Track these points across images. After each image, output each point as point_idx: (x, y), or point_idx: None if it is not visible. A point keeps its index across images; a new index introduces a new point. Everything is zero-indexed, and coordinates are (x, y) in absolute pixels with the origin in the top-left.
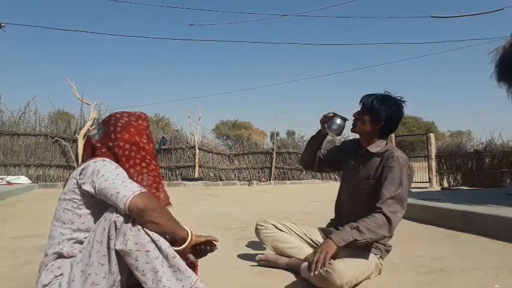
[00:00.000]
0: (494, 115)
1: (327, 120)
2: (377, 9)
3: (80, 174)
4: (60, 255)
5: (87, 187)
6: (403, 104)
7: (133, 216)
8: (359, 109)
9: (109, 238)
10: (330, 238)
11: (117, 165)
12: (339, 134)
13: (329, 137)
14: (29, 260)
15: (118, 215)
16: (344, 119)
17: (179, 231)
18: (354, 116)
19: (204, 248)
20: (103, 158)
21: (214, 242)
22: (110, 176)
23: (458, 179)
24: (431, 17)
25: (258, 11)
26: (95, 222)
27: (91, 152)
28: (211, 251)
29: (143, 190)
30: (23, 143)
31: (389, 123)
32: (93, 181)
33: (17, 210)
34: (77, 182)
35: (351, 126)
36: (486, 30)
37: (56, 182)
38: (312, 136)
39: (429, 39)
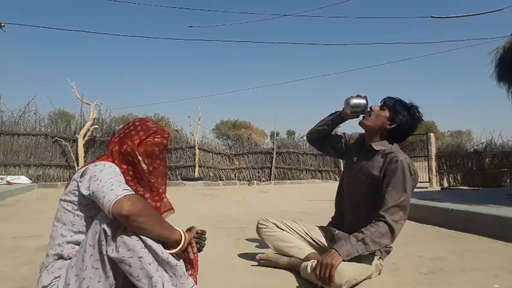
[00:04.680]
0: (494, 115)
1: (354, 96)
2: (377, 9)
3: (81, 176)
4: (60, 257)
5: (84, 191)
6: (421, 121)
7: (119, 220)
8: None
9: (100, 243)
10: (336, 250)
11: (116, 169)
12: (353, 112)
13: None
14: (29, 260)
15: (109, 220)
16: (366, 106)
17: (170, 235)
18: (370, 108)
19: (198, 240)
20: (104, 162)
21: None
22: (103, 180)
23: (458, 179)
24: (431, 17)
25: (258, 11)
26: None
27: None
28: (201, 240)
29: (127, 194)
30: (23, 143)
31: (399, 129)
32: (89, 185)
33: (17, 210)
34: (77, 184)
35: (363, 118)
36: (486, 30)
37: (56, 182)
38: (331, 113)
39: (429, 39)
